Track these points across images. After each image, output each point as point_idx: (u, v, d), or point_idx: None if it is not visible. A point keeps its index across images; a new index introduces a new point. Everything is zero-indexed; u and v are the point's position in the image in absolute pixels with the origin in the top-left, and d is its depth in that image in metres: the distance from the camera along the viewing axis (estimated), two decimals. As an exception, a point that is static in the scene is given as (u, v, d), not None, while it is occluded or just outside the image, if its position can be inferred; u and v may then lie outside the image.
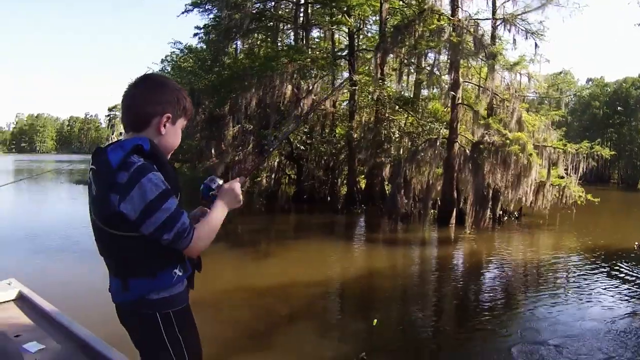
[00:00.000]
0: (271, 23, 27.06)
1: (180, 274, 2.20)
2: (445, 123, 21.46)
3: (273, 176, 24.26)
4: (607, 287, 11.13)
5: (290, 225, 20.53)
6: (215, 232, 2.21)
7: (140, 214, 1.97)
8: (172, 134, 2.22)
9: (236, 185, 2.34)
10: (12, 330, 3.60)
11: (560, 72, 45.90)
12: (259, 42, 28.26)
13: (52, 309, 4.13)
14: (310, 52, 24.69)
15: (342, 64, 25.93)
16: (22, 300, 4.43)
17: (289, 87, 22.78)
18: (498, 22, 20.96)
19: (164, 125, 2.17)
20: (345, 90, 24.91)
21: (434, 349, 7.47)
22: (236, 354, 6.59)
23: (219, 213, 2.26)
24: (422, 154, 20.11)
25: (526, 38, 20.72)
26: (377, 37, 24.85)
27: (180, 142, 2.29)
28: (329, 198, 24.14)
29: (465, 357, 7.06)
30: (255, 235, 17.32)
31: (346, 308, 9.83)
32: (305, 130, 24.48)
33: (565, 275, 12.43)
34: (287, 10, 27.52)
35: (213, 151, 23.91)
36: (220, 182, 2.42)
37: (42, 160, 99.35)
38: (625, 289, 10.93)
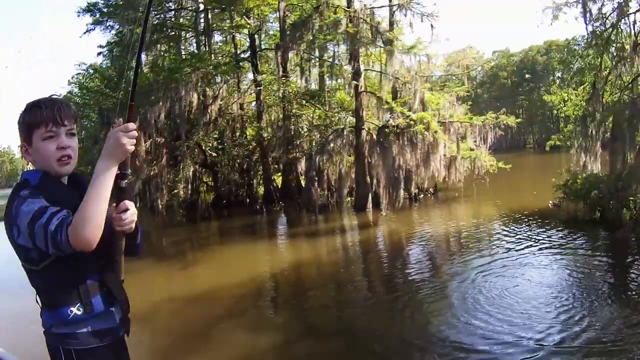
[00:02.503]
0: (173, 32, 26.92)
1: (79, 312, 2.11)
2: (351, 112, 21.94)
3: (190, 186, 24.15)
4: (526, 247, 12.00)
5: (212, 232, 20.64)
6: (101, 197, 1.95)
7: (29, 239, 1.95)
8: (37, 153, 2.13)
9: (114, 130, 2.03)
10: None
11: (462, 50, 47.29)
12: (162, 53, 28.05)
13: None
14: (212, 58, 24.74)
15: (245, 65, 26.07)
16: None
17: (195, 95, 22.78)
18: (394, 8, 21.54)
19: (27, 152, 2.17)
20: (251, 91, 25.09)
21: (368, 329, 7.80)
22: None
23: (99, 173, 1.99)
24: (332, 144, 20.65)
25: (422, 21, 21.28)
26: (277, 34, 25.13)
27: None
28: (247, 200, 24.30)
29: (398, 331, 7.49)
30: (180, 246, 17.39)
31: (276, 301, 10.31)
32: (216, 136, 24.51)
33: (487, 240, 13.19)
34: (187, 17, 27.45)
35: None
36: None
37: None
38: (546, 246, 11.92)
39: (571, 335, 6.57)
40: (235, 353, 7.06)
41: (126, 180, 2.16)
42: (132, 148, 2.06)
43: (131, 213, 2.15)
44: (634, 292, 8.50)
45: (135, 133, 2.06)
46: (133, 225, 2.17)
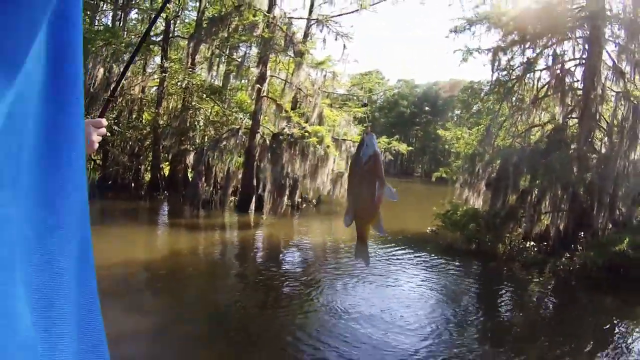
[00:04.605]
0: (93, 1, 26.03)
1: None
2: (249, 114, 22.10)
3: (78, 162, 23.41)
4: (401, 269, 12.91)
5: (94, 212, 20.10)
6: None
7: None
8: None
9: (85, 123, 1.86)
10: None
11: (368, 73, 48.47)
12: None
13: None
14: (125, 36, 24.16)
15: (155, 49, 25.65)
16: None
17: (102, 70, 22.21)
18: (312, 22, 21.91)
19: None
20: (155, 76, 24.75)
21: (236, 320, 8.38)
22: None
23: None
24: (225, 142, 20.78)
25: (336, 39, 21.73)
26: (193, 24, 24.94)
27: None
28: (132, 184, 23.87)
29: (268, 329, 8.00)
30: (58, 223, 16.82)
31: (154, 286, 10.44)
32: (113, 115, 23.96)
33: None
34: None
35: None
36: None
37: None
38: (418, 270, 12.82)
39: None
40: (110, 335, 7.05)
41: None
42: (97, 145, 2.02)
43: None
44: (496, 320, 9.30)
45: (104, 130, 1.99)
46: None
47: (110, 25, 26.08)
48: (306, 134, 19.98)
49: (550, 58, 16.80)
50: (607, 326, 9.29)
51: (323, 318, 8.41)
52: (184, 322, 7.86)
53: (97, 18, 27.97)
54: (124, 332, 7.03)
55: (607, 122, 15.79)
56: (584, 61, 16.06)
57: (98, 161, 25.76)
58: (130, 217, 18.68)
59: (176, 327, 7.62)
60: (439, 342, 7.77)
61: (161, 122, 24.20)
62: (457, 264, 13.76)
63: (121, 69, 23.46)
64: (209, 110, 24.86)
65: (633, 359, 7.47)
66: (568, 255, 13.64)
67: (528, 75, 17.58)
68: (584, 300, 11.35)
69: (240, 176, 21.29)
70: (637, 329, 9.25)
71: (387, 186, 1.17)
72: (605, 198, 14.29)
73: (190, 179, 22.61)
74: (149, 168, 24.79)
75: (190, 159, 23.21)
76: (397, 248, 15.20)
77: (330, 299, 9.56)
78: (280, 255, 14.30)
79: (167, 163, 25.12)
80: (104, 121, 1.97)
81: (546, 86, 16.98)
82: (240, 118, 22.66)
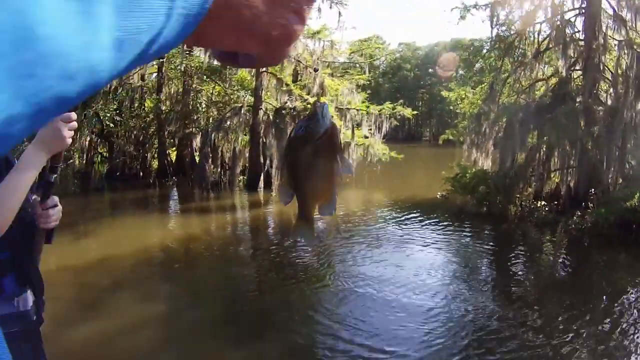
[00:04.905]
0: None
1: None
2: (250, 91, 21.96)
3: (85, 156, 23.40)
4: (412, 233, 12.90)
5: (105, 204, 20.25)
6: (22, 186, 1.81)
7: None
8: None
9: (55, 119, 1.82)
10: None
11: (368, 39, 47.85)
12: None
13: None
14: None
15: (152, 34, 25.44)
16: None
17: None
18: (304, -9, 21.59)
19: None
20: (154, 63, 24.57)
21: (251, 301, 8.43)
22: (62, 328, 6.71)
23: (28, 161, 1.85)
24: (229, 122, 20.75)
25: (330, 7, 21.42)
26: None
27: None
28: (141, 173, 23.87)
29: (285, 306, 8.03)
30: (72, 217, 16.86)
31: (166, 273, 10.40)
32: (115, 106, 23.87)
33: (373, 225, 13.67)
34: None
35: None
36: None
37: None
38: (429, 235, 12.71)
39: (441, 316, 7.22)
40: (126, 322, 7.22)
41: (56, 175, 2.06)
42: (70, 141, 1.96)
43: (59, 210, 2.09)
44: (510, 281, 9.28)
45: (75, 124, 1.93)
46: (58, 222, 2.10)
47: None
48: (309, 105, 19.82)
49: (549, 9, 16.52)
50: (621, 283, 9.25)
51: (338, 290, 8.44)
52: (199, 306, 7.91)
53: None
54: (140, 320, 7.17)
55: (611, 72, 15.53)
56: (583, 11, 15.76)
57: (104, 154, 25.75)
58: (140, 205, 18.67)
59: (192, 311, 7.64)
60: (452, 302, 7.85)
61: (164, 108, 24.07)
62: (468, 227, 13.74)
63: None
64: (211, 91, 24.73)
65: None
66: (579, 213, 13.54)
67: (528, 28, 17.32)
68: (597, 259, 11.27)
69: (246, 154, 21.22)
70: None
71: (345, 159, 1.05)
72: (614, 151, 14.11)
73: (197, 162, 22.56)
74: (155, 155, 24.71)
75: (196, 141, 23.13)
76: (408, 214, 15.17)
77: (344, 268, 9.69)
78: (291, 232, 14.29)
79: (174, 148, 25.06)
80: (74, 115, 1.91)
81: (547, 39, 16.72)
82: (242, 96, 22.52)
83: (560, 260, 11.34)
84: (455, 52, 62.48)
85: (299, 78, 22.59)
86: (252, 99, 21.17)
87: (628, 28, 15.07)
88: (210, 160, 20.68)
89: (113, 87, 23.11)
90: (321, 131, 0.99)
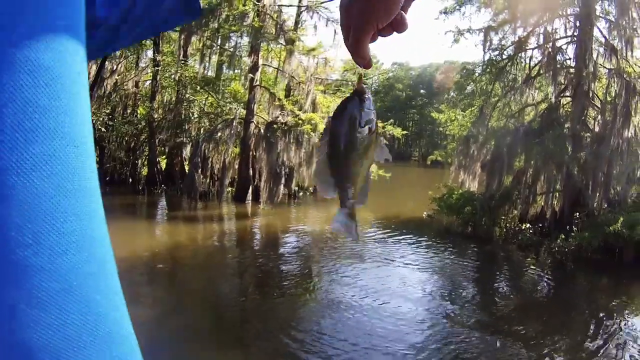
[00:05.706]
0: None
1: None
2: (243, 104, 22.00)
3: (75, 159, 23.30)
4: (398, 251, 13.08)
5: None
6: None
7: None
8: None
9: None
10: None
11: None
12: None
13: None
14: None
15: (147, 42, 25.47)
16: None
17: (94, 66, 22.08)
18: (302, 9, 21.77)
19: None
20: (148, 70, 24.62)
21: (235, 310, 8.54)
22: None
23: None
24: (220, 133, 20.77)
25: (326, 25, 21.59)
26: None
27: None
28: (130, 179, 23.82)
29: (270, 315, 8.09)
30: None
31: (152, 278, 10.59)
32: (107, 111, 23.87)
33: (360, 243, 13.68)
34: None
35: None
36: None
37: None
38: (414, 254, 12.88)
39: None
40: None
41: None
42: None
43: None
44: (492, 299, 9.32)
45: None
46: None
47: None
48: (300, 121, 19.91)
49: (542, 36, 16.72)
50: (602, 305, 9.34)
51: (320, 300, 8.52)
52: (184, 313, 7.96)
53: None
54: (132, 322, 7.10)
55: (600, 100, 15.72)
56: (575, 39, 15.98)
57: (95, 158, 25.66)
58: (128, 212, 18.60)
59: (176, 318, 7.70)
60: (434, 316, 7.94)
61: (156, 115, 24.09)
62: (453, 247, 13.82)
63: (114, 66, 23.37)
64: (203, 102, 24.77)
65: (627, 338, 7.48)
66: (563, 236, 13.65)
67: (520, 54, 17.51)
68: (579, 281, 11.41)
69: (236, 166, 21.23)
70: (631, 308, 9.28)
71: (383, 145, 1.00)
72: (599, 177, 14.26)
73: (187, 172, 22.55)
74: (145, 162, 24.68)
75: (186, 151, 23.16)
76: (394, 233, 15.22)
77: (329, 284, 9.73)
78: (278, 243, 14.33)
79: (164, 157, 25.03)
80: None
81: (538, 65, 16.91)
82: (235, 108, 22.56)
83: (543, 281, 11.43)
84: (448, 75, 63.06)
85: (292, 93, 22.71)
86: (244, 112, 21.23)
87: (618, 57, 15.28)
88: (200, 170, 20.66)
89: (107, 93, 23.15)
90: (362, 125, 0.95)
